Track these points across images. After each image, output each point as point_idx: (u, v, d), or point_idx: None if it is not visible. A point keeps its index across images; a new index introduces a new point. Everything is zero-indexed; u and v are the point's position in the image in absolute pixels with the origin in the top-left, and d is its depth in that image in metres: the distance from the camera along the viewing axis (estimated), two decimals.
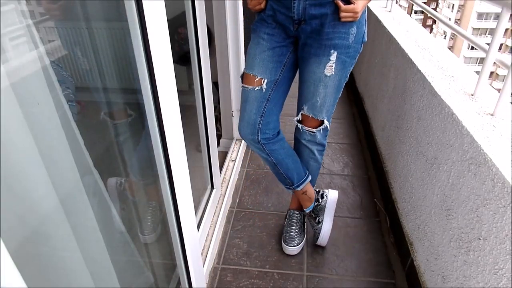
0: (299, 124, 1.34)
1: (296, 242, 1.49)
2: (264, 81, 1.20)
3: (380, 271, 1.43)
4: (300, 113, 1.30)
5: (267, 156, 1.32)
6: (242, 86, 1.25)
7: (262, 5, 1.15)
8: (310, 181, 1.46)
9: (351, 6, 1.05)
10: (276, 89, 1.24)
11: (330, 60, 1.14)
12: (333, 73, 1.16)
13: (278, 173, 1.39)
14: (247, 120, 1.26)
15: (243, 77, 1.25)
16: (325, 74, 1.16)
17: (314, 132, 1.31)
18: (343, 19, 1.07)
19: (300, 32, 1.14)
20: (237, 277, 1.41)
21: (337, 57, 1.13)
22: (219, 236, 1.58)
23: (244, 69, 1.25)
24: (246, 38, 1.88)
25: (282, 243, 1.51)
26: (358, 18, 1.08)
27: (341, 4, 1.05)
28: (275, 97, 1.25)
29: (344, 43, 1.12)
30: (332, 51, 1.13)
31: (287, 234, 1.51)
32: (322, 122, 1.28)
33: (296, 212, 1.55)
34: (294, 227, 1.52)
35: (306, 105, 1.26)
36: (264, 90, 1.22)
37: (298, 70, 1.27)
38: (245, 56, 1.32)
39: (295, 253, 1.50)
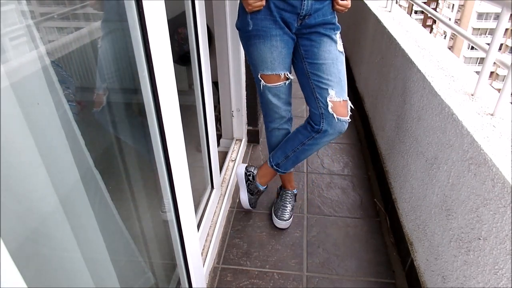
0: (335, 115, 1.26)
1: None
2: (287, 74, 1.35)
3: (380, 271, 1.43)
4: (328, 99, 1.25)
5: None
6: (271, 86, 1.35)
7: (264, 2, 1.19)
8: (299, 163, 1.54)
9: (346, 2, 1.24)
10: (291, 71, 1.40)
11: (337, 38, 1.28)
12: (343, 50, 1.29)
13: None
14: (285, 109, 1.43)
15: (264, 77, 1.34)
16: (339, 50, 1.28)
17: (350, 119, 1.30)
18: (337, 10, 1.26)
19: (303, 26, 1.25)
20: (237, 277, 1.42)
21: (339, 37, 1.30)
22: (219, 236, 1.58)
23: (263, 71, 1.32)
24: None
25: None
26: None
27: (338, 1, 1.23)
28: None
29: (338, 26, 1.29)
30: (335, 31, 1.28)
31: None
32: (347, 103, 1.29)
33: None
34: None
35: (333, 89, 1.26)
36: (290, 79, 1.37)
37: (308, 61, 1.29)
38: (250, 57, 1.33)
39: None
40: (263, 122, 2.42)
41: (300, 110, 2.67)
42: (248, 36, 1.28)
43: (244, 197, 1.65)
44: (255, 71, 1.35)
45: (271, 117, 1.46)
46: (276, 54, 1.27)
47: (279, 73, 1.32)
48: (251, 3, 1.19)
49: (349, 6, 1.25)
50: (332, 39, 1.26)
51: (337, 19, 1.28)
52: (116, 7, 0.92)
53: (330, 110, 1.26)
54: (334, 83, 1.26)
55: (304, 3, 1.19)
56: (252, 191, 1.64)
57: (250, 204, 1.67)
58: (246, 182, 1.64)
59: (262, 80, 1.34)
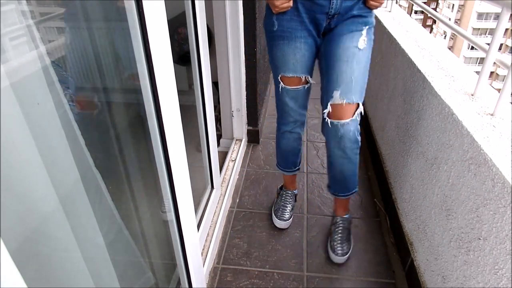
0: (328, 120, 1.22)
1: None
2: (308, 77, 1.32)
3: (380, 271, 1.43)
4: (330, 103, 1.20)
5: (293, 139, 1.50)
6: (289, 88, 1.33)
7: (291, 3, 1.17)
8: (347, 185, 1.41)
9: None
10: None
11: (362, 34, 1.19)
12: (365, 46, 1.20)
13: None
14: (300, 113, 1.40)
15: (284, 79, 1.31)
16: (358, 47, 1.19)
17: (347, 124, 1.20)
18: (371, 7, 1.18)
19: (331, 23, 1.21)
20: (237, 277, 1.41)
21: (367, 32, 1.20)
22: (219, 236, 1.58)
23: (284, 73, 1.30)
24: (246, 38, 1.87)
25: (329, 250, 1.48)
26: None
27: None
28: None
29: (370, 21, 1.21)
30: (363, 26, 1.20)
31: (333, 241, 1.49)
32: (357, 107, 1.20)
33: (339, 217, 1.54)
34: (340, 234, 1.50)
35: (338, 89, 1.18)
36: (310, 83, 1.35)
37: (325, 58, 1.24)
38: (272, 58, 1.31)
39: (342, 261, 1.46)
40: (262, 122, 2.43)
41: None
42: (273, 36, 1.25)
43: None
44: (275, 72, 1.33)
45: (285, 119, 1.44)
46: (299, 56, 1.25)
47: (300, 76, 1.30)
48: (277, 4, 1.16)
49: (383, 1, 1.18)
50: (354, 35, 1.19)
51: (373, 14, 1.21)
52: (79, 5, 0.91)
53: (325, 115, 1.23)
54: (342, 83, 1.18)
55: (333, 2, 1.14)
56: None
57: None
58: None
59: (282, 82, 1.32)
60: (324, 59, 1.25)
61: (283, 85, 1.33)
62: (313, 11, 1.17)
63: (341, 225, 1.50)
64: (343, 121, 1.20)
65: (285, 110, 1.40)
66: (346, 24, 1.19)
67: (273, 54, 1.30)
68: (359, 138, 1.26)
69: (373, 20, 1.22)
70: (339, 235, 1.48)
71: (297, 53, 1.24)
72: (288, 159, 1.58)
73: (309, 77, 1.32)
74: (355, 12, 1.18)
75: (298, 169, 1.63)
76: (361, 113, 1.21)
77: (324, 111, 1.24)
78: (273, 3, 1.16)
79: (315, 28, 1.22)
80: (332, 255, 1.46)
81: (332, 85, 1.20)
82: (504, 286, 0.78)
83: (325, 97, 1.23)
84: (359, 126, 1.24)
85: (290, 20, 1.20)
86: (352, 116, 1.20)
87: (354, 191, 1.43)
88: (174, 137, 0.87)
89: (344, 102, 1.18)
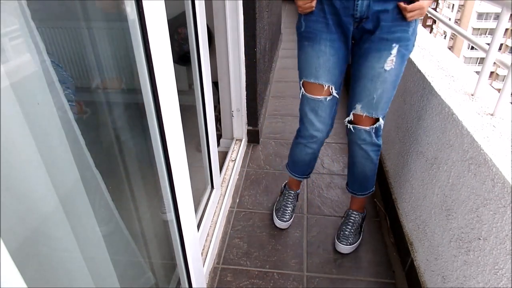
0: (350, 125, 1.30)
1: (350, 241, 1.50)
2: (332, 88, 1.25)
3: (380, 271, 1.43)
4: (352, 112, 1.26)
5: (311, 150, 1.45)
6: (310, 97, 1.28)
7: (313, 3, 1.14)
8: (366, 184, 1.46)
9: (417, 3, 1.04)
10: (340, 89, 1.30)
11: (391, 54, 1.12)
12: (392, 67, 1.14)
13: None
14: (318, 128, 1.34)
15: (306, 85, 1.27)
16: (384, 68, 1.14)
17: (367, 131, 1.27)
18: (410, 19, 1.07)
19: (360, 30, 1.15)
20: (237, 277, 1.41)
21: (398, 51, 1.12)
22: (219, 236, 1.58)
23: (306, 78, 1.25)
24: (246, 38, 1.88)
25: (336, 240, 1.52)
26: (425, 13, 1.09)
27: (405, 6, 1.05)
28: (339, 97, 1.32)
29: (405, 36, 1.12)
30: (394, 44, 1.11)
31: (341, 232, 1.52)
32: (376, 120, 1.24)
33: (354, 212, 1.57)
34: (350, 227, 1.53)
35: (360, 103, 1.22)
36: (334, 96, 1.27)
37: (352, 70, 1.24)
38: (298, 61, 1.29)
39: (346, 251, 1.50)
40: (262, 122, 2.43)
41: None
42: (300, 37, 1.24)
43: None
44: (299, 76, 1.29)
45: (302, 131, 1.38)
46: (323, 60, 1.19)
47: (322, 84, 1.23)
48: (300, 4, 1.15)
49: (424, 6, 1.04)
50: (381, 55, 1.13)
51: (410, 29, 1.11)
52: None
53: (346, 122, 1.30)
54: (364, 99, 1.20)
55: (358, 4, 1.09)
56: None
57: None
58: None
59: (303, 88, 1.28)
60: (351, 70, 1.24)
61: (304, 91, 1.28)
62: (338, 13, 1.13)
63: (352, 218, 1.54)
64: (363, 127, 1.27)
65: (303, 122, 1.35)
66: (374, 41, 1.13)
67: (298, 56, 1.27)
68: (379, 142, 1.32)
69: (408, 35, 1.11)
70: (349, 226, 1.52)
71: (321, 56, 1.19)
72: (298, 167, 1.56)
73: (333, 88, 1.24)
74: (389, 22, 1.09)
75: (306, 177, 1.60)
76: (380, 125, 1.26)
77: (346, 119, 1.31)
78: (297, 2, 1.16)
79: (342, 33, 1.17)
80: (337, 243, 1.50)
81: (355, 98, 1.24)
82: (504, 286, 0.78)
83: (349, 106, 1.28)
84: (380, 132, 1.30)
85: (316, 21, 1.17)
86: (371, 125, 1.27)
87: (371, 190, 1.50)
88: (174, 137, 0.87)
89: (364, 115, 1.24)
